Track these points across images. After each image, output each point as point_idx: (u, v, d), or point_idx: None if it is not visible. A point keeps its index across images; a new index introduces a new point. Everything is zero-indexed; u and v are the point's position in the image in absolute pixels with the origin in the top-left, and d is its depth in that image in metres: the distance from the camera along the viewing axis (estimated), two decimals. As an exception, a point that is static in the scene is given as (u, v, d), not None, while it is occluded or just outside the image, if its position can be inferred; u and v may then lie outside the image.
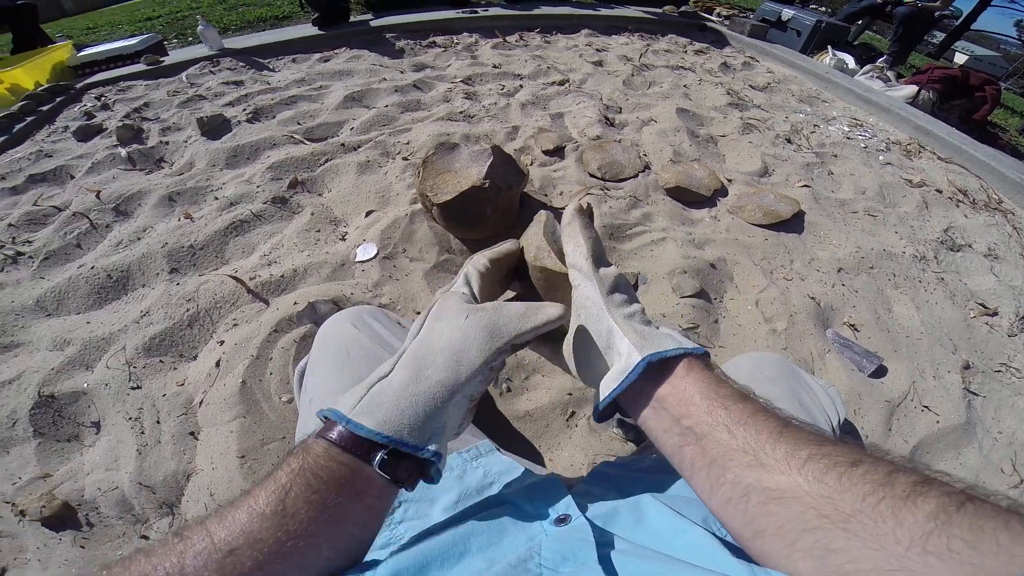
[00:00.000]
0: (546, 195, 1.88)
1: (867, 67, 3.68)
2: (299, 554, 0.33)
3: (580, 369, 0.48)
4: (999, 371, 1.49)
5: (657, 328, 0.45)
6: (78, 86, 2.77)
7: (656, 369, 0.41)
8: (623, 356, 0.42)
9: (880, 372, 1.41)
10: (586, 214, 0.52)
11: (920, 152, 2.69)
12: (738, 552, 0.40)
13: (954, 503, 0.26)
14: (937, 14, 4.44)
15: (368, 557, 0.47)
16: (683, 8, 4.47)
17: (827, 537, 0.28)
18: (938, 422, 1.31)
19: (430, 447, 0.39)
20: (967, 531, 0.25)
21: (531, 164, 2.05)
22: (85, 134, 2.28)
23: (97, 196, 1.83)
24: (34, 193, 1.92)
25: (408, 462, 0.39)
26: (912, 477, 0.28)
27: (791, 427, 0.35)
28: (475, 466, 0.61)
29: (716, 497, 0.36)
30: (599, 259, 0.49)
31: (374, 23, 3.44)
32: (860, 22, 5.28)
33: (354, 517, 0.37)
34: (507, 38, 3.53)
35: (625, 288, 0.48)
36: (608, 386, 0.43)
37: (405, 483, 0.40)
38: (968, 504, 0.26)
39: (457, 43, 3.38)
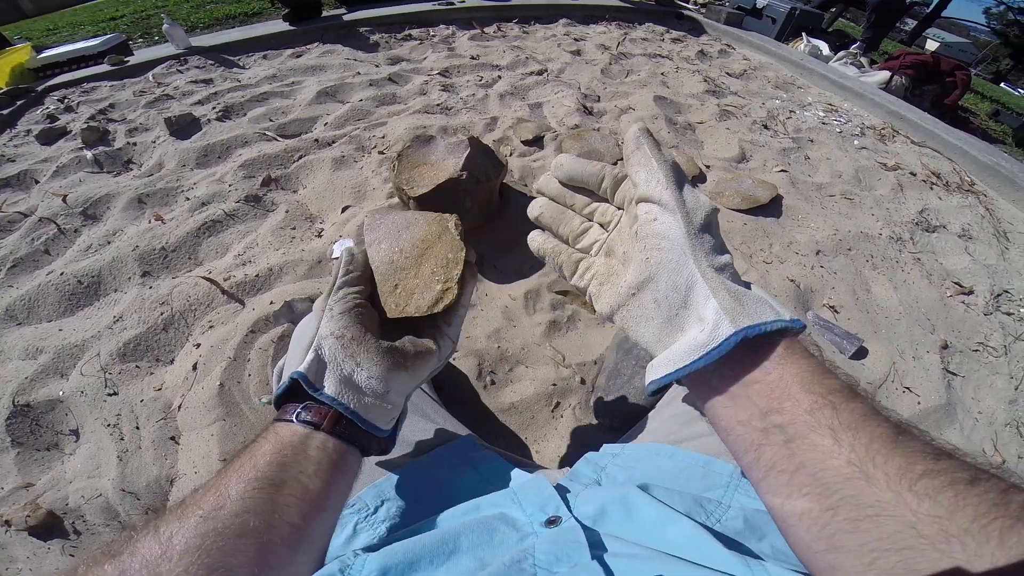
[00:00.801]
0: (526, 185, 1.87)
1: (841, 53, 3.73)
2: (257, 503, 0.36)
3: (637, 327, 0.39)
4: (976, 350, 1.51)
5: (749, 288, 0.37)
6: (39, 88, 2.69)
7: (747, 345, 0.33)
8: (707, 323, 0.34)
9: (861, 353, 1.43)
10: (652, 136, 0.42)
11: (894, 136, 2.73)
12: (728, 542, 0.39)
13: None
14: (909, 1, 4.51)
15: (353, 549, 0.47)
16: (659, -3, 4.47)
17: (915, 558, 0.25)
18: (919, 403, 1.33)
19: (293, 371, 0.43)
20: None
21: (510, 155, 2.04)
22: (48, 137, 2.21)
23: (64, 200, 1.78)
24: (-3, 199, 1.86)
25: (315, 405, 0.43)
26: None
27: (906, 435, 0.30)
28: (459, 462, 0.60)
29: (790, 506, 0.31)
30: (683, 186, 0.39)
31: (347, 17, 3.39)
32: (833, 9, 5.35)
33: (301, 466, 0.39)
34: (485, 29, 3.50)
35: (717, 231, 0.39)
36: (678, 359, 0.35)
37: (321, 426, 0.42)
38: None
39: (434, 35, 3.34)
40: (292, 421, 0.41)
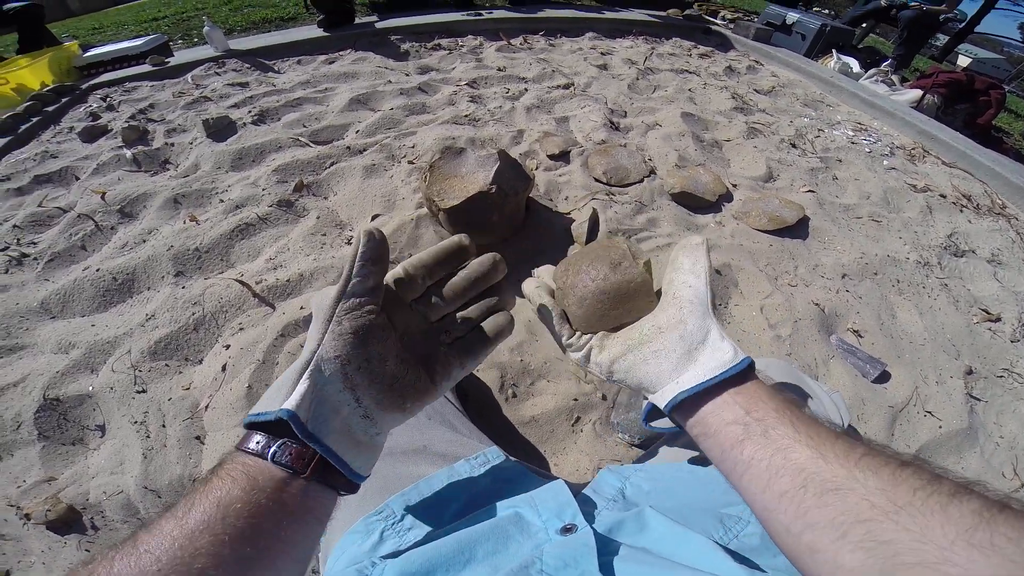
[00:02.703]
0: (551, 200, 1.88)
1: (872, 71, 3.68)
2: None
3: (648, 363, 0.47)
4: (1001, 376, 1.49)
5: None
6: (84, 87, 2.78)
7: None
8: (726, 352, 0.44)
9: (883, 378, 1.41)
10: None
11: (924, 157, 2.69)
12: (739, 558, 0.41)
13: (995, 505, 0.27)
14: (942, 17, 4.44)
15: (376, 556, 0.48)
16: (687, 11, 4.46)
17: (878, 529, 0.29)
18: (940, 427, 1.31)
19: (281, 407, 0.37)
20: (1010, 529, 0.25)
21: (536, 168, 2.05)
22: (90, 135, 2.28)
23: (102, 198, 1.84)
24: (39, 194, 1.93)
25: (294, 445, 0.37)
26: (956, 481, 0.30)
27: (844, 434, 0.37)
28: (483, 473, 0.61)
29: (772, 489, 0.36)
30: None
31: (379, 25, 3.45)
32: (864, 25, 5.28)
33: (277, 518, 0.35)
34: (511, 41, 3.53)
35: None
36: (706, 373, 0.43)
37: (295, 468, 0.36)
38: (1008, 508, 0.27)
39: (462, 45, 3.38)
40: (266, 459, 0.36)
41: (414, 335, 0.45)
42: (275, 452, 0.36)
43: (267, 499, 0.35)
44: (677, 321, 0.47)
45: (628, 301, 0.51)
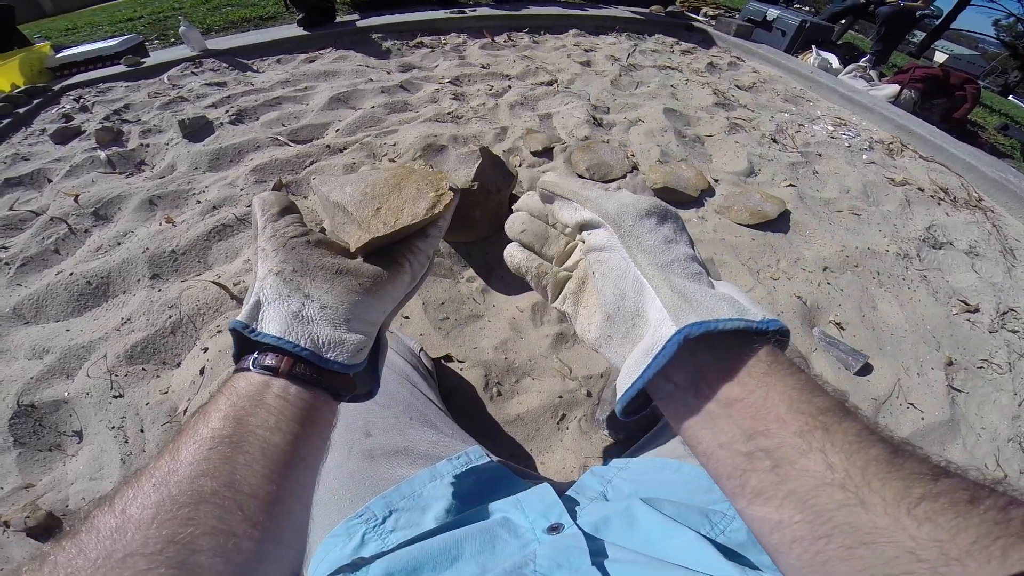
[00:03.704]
0: (534, 196, 1.87)
1: (850, 67, 3.73)
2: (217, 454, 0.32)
3: (607, 349, 0.37)
4: (981, 367, 1.51)
5: (711, 286, 0.34)
6: (56, 88, 2.71)
7: (711, 351, 0.31)
8: (651, 326, 0.32)
9: (866, 370, 1.43)
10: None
11: (902, 151, 2.73)
12: (729, 554, 0.40)
13: None
14: (919, 14, 4.51)
15: (359, 556, 0.47)
16: (670, 8, 4.49)
17: None
18: (923, 419, 1.33)
19: (232, 321, 0.38)
20: None
21: (520, 165, 2.05)
22: (63, 136, 2.23)
23: (75, 200, 1.80)
24: (10, 197, 1.88)
25: (269, 353, 0.37)
26: None
27: (901, 454, 0.27)
28: (466, 473, 0.61)
29: (780, 535, 0.28)
30: (603, 198, 0.39)
31: (360, 23, 3.41)
32: (843, 21, 5.35)
33: (259, 418, 0.34)
34: (495, 38, 3.53)
35: (664, 218, 0.38)
36: (631, 373, 0.32)
37: (276, 370, 0.36)
38: None
39: (445, 43, 3.36)
40: (249, 369, 0.36)
41: None
42: (256, 359, 0.36)
43: (248, 402, 0.34)
44: (597, 295, 0.38)
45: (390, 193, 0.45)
